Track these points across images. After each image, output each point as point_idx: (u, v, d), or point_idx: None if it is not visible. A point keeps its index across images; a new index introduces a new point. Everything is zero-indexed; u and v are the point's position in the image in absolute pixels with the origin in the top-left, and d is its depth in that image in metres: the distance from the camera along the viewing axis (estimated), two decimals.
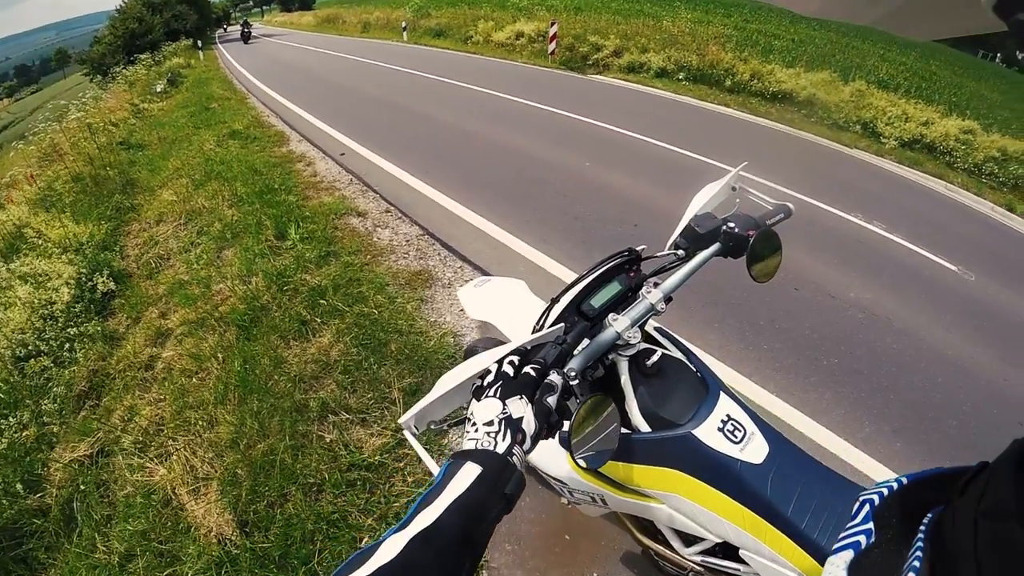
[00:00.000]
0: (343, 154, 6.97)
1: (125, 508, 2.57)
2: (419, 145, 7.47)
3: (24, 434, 3.22)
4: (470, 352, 2.27)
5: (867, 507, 0.57)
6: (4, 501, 2.82)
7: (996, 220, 9.03)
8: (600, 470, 1.42)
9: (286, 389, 3.06)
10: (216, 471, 2.64)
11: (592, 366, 1.22)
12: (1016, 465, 0.44)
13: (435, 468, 0.90)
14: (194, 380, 3.25)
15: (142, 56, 22.19)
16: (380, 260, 4.40)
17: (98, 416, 3.27)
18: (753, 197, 1.66)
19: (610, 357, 1.29)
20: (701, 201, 1.59)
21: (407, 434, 1.04)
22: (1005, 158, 11.08)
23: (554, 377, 0.99)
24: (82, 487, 2.80)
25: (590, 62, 15.09)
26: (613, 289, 1.36)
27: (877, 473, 3.07)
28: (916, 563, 0.47)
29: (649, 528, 1.63)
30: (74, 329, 3.94)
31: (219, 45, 20.31)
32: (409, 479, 2.57)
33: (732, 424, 1.28)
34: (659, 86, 12.81)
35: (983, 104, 17.81)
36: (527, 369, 0.99)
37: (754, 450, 1.25)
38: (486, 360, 1.01)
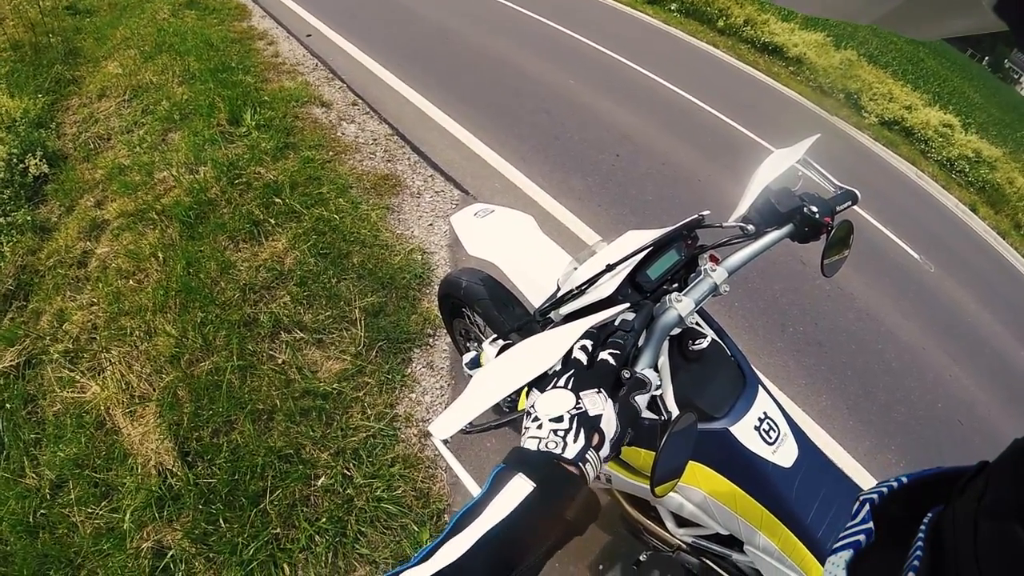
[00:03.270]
0: (309, 35, 6.40)
1: (55, 429, 2.35)
2: (393, 35, 6.92)
3: None
4: (449, 284, 2.06)
5: (867, 506, 0.54)
6: None
7: (959, 218, 9.37)
8: (624, 457, 1.34)
9: (234, 299, 2.82)
10: (154, 390, 2.42)
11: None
12: (1016, 465, 0.42)
13: (474, 485, 0.78)
14: (131, 282, 2.96)
15: None
16: (344, 158, 4.06)
17: (25, 319, 2.97)
18: (815, 175, 1.48)
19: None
20: (771, 172, 1.41)
21: (437, 444, 0.87)
22: (978, 160, 11.38)
23: (649, 373, 0.83)
24: (8, 405, 2.54)
25: None
26: (671, 259, 1.22)
27: (836, 452, 3.15)
28: (916, 563, 0.45)
29: (642, 504, 1.56)
30: (0, 219, 3.55)
31: None
32: (370, 412, 2.41)
33: (768, 423, 1.22)
34: (649, 13, 12.26)
35: (965, 102, 18.41)
36: (604, 355, 0.82)
37: (785, 453, 1.20)
38: (544, 355, 0.83)
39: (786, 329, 3.85)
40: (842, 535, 0.54)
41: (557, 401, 0.73)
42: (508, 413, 0.95)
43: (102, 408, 2.35)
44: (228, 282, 2.90)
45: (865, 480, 3.01)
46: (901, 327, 4.65)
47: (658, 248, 1.20)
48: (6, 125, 4.30)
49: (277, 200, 3.44)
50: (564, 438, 0.69)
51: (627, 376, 0.82)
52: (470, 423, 0.87)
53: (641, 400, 0.80)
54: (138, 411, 2.34)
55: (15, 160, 3.87)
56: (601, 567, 2.09)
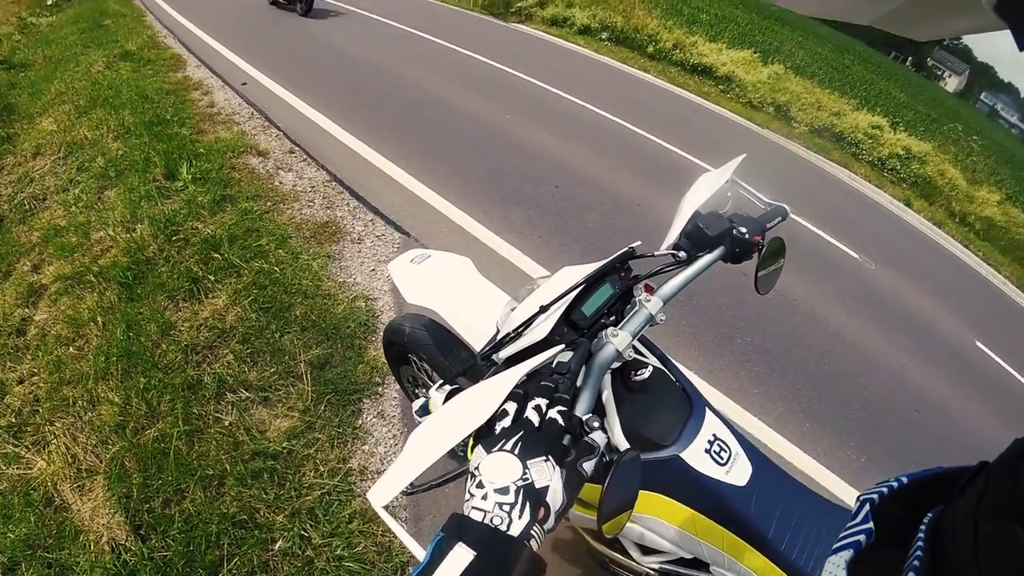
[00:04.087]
0: (245, 84, 6.44)
1: (3, 509, 2.32)
2: (329, 81, 6.99)
3: None
4: (392, 331, 2.07)
5: (867, 506, 0.56)
6: None
7: (894, 213, 9.83)
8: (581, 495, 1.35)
9: (177, 361, 2.83)
10: (102, 462, 2.42)
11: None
12: (1016, 465, 0.43)
13: (419, 551, 0.75)
14: (71, 350, 2.95)
15: None
16: (282, 208, 4.11)
17: None
18: (746, 193, 1.54)
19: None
20: (699, 196, 1.44)
21: (378, 510, 0.83)
22: (908, 156, 12.02)
23: (596, 437, 0.83)
24: None
25: (513, 9, 14.65)
26: (605, 294, 1.23)
27: (795, 456, 3.29)
28: (916, 563, 0.46)
29: (604, 536, 1.58)
30: None
31: None
32: (322, 468, 2.45)
33: (719, 445, 1.24)
34: (580, 43, 12.66)
35: (892, 103, 19.41)
36: (553, 415, 0.82)
37: (739, 472, 1.22)
38: (479, 407, 0.82)
39: (734, 341, 4.03)
40: (842, 535, 0.56)
41: (504, 469, 0.71)
42: (453, 470, 0.95)
43: (49, 484, 2.35)
44: (169, 344, 2.91)
45: (825, 484, 3.18)
46: (848, 326, 4.88)
47: (592, 283, 1.21)
48: None
49: (216, 255, 3.46)
50: (509, 513, 0.67)
51: (574, 441, 0.81)
52: (411, 484, 0.86)
53: (588, 466, 0.79)
54: (86, 485, 2.34)
55: None
56: None
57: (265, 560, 2.13)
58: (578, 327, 1.17)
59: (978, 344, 6.19)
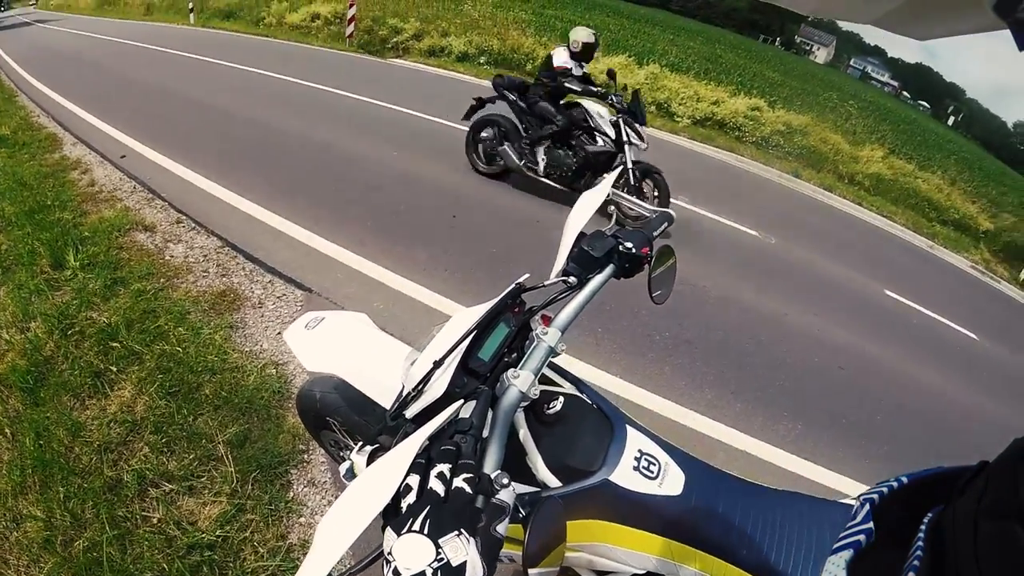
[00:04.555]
0: (123, 156, 6.33)
1: None
2: (211, 142, 6.96)
3: None
4: (304, 399, 2.09)
5: (867, 506, 0.57)
6: None
7: (786, 186, 10.38)
8: (510, 534, 1.28)
9: (92, 463, 2.83)
10: None
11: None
12: (1016, 465, 0.44)
13: None
14: None
15: None
16: (176, 283, 4.11)
17: None
18: (628, 204, 1.60)
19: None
20: (581, 217, 1.47)
21: None
22: (790, 131, 12.88)
23: (504, 496, 0.81)
24: None
25: (389, 46, 15.14)
26: (500, 334, 1.22)
27: (734, 438, 3.50)
28: (916, 563, 0.47)
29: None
30: None
31: None
32: (261, 549, 2.50)
33: (646, 459, 1.23)
34: (461, 70, 12.93)
35: (766, 84, 20.62)
36: (459, 483, 0.79)
37: (671, 482, 1.21)
38: (381, 487, 0.80)
39: (653, 338, 4.27)
40: (842, 535, 0.56)
41: (415, 553, 0.69)
42: (370, 554, 0.87)
43: None
44: (82, 446, 2.90)
45: (770, 460, 3.41)
46: (760, 302, 5.28)
47: (486, 326, 1.20)
48: None
49: (115, 344, 3.45)
50: None
51: (484, 502, 0.79)
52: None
53: (502, 528, 0.77)
54: None
55: None
56: None
57: None
58: (478, 374, 1.15)
59: (887, 292, 6.73)
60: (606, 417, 1.31)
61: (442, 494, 0.77)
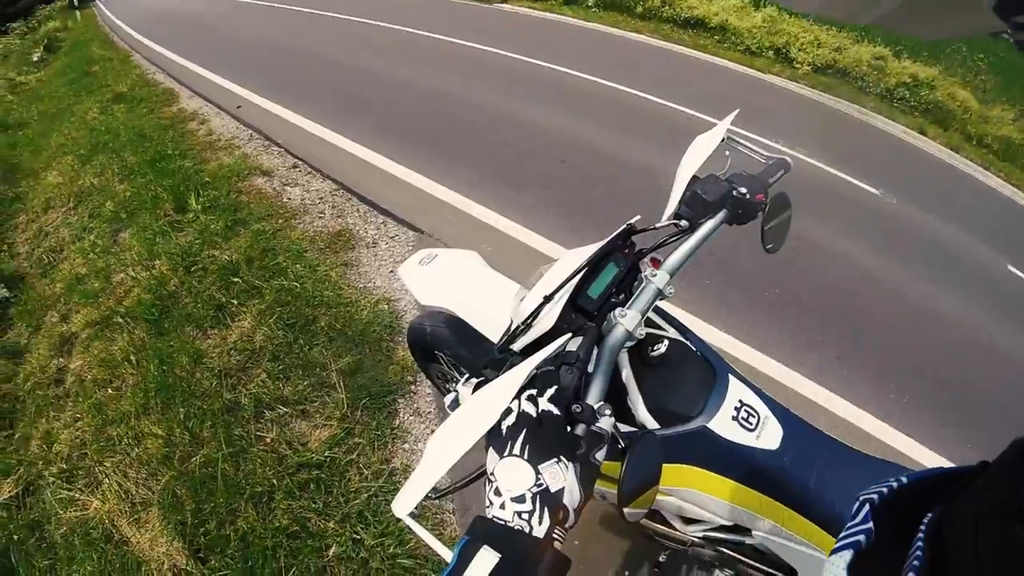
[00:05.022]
0: (239, 107, 6.47)
1: (66, 551, 2.39)
2: (321, 90, 7.00)
3: None
4: (414, 332, 2.09)
5: (867, 506, 0.55)
6: None
7: (909, 143, 9.58)
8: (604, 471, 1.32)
9: (212, 388, 2.88)
10: (153, 494, 2.48)
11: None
12: (1016, 465, 0.43)
13: (446, 553, 0.77)
14: (109, 391, 3.01)
15: (14, 25, 19.77)
16: (294, 223, 4.14)
17: (15, 448, 3.01)
18: (743, 149, 1.49)
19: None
20: (695, 160, 1.41)
21: (403, 518, 0.85)
22: (916, 83, 11.68)
23: (604, 424, 0.83)
24: (15, 536, 2.57)
25: None
26: (610, 273, 1.20)
27: (830, 402, 3.25)
28: (916, 563, 0.45)
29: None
30: None
31: (96, 1, 18.62)
32: (366, 471, 2.48)
33: (746, 410, 1.21)
34: (569, 14, 12.49)
35: (890, 31, 18.54)
36: (561, 411, 0.80)
37: (769, 435, 1.20)
38: (488, 409, 0.82)
39: (761, 295, 4.00)
40: (842, 535, 0.55)
41: (517, 476, 0.71)
42: (473, 471, 0.93)
43: (106, 521, 2.40)
44: (203, 372, 2.97)
45: (859, 429, 3.14)
46: (879, 266, 4.81)
47: (596, 264, 1.17)
48: None
49: (236, 279, 3.51)
50: (529, 520, 0.68)
51: (583, 431, 0.81)
52: (433, 489, 0.87)
53: (600, 455, 0.79)
54: (142, 517, 2.40)
55: None
56: (627, 573, 2.16)
57: (322, 567, 2.17)
58: (586, 311, 1.14)
59: (1011, 268, 6.05)
60: (709, 364, 1.29)
61: (543, 420, 0.78)
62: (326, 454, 2.52)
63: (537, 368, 0.88)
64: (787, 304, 3.95)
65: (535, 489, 0.70)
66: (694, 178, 1.36)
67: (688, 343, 1.33)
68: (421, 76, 7.61)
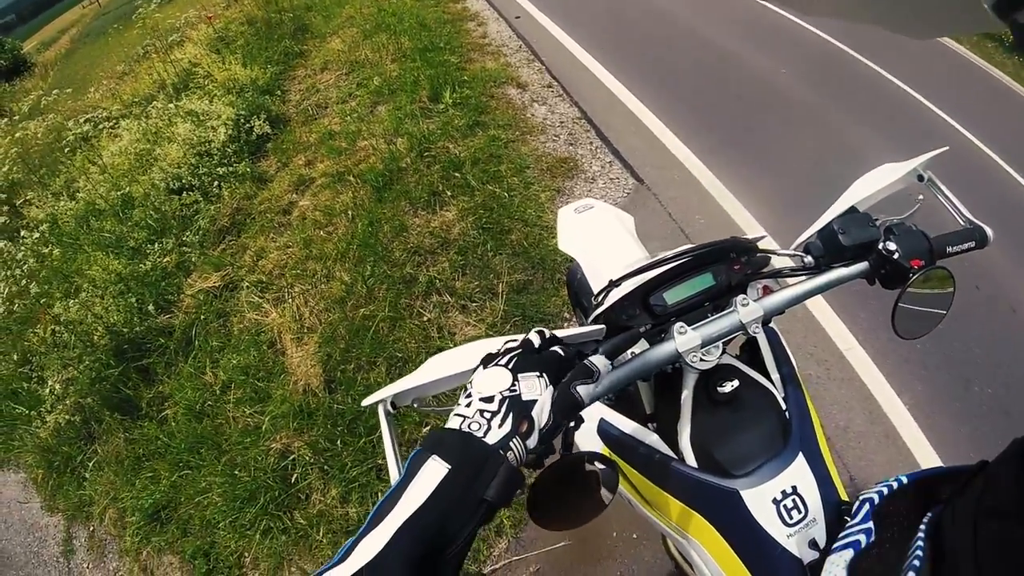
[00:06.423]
0: (518, 17, 6.58)
1: (236, 342, 2.80)
2: (601, 19, 6.86)
3: (165, 260, 3.53)
4: (571, 275, 2.04)
5: (867, 506, 0.56)
6: (137, 317, 3.15)
7: None
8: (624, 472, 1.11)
9: (401, 259, 3.13)
10: (320, 324, 2.81)
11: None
12: (1016, 465, 0.43)
13: (395, 469, 0.77)
14: (322, 233, 3.41)
15: None
16: (528, 139, 4.23)
17: (232, 252, 3.53)
18: (942, 199, 1.11)
19: (678, 363, 0.97)
20: (864, 189, 1.13)
21: (381, 414, 0.83)
22: None
23: (598, 360, 0.77)
24: (204, 316, 3.06)
25: None
26: (703, 283, 1.02)
27: None
28: (916, 562, 0.46)
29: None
30: (225, 168, 4.17)
31: None
32: None
33: (794, 500, 0.94)
34: None
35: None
36: (559, 348, 0.77)
37: (804, 540, 0.91)
38: (493, 344, 0.79)
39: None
40: (842, 535, 0.56)
41: (493, 380, 0.69)
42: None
43: (275, 332, 2.78)
44: (400, 243, 3.23)
45: None
46: None
47: (691, 268, 1.01)
48: (237, 90, 5.02)
49: (456, 174, 3.72)
50: (489, 421, 0.65)
51: (572, 362, 0.77)
52: (422, 400, 0.85)
53: (584, 391, 0.73)
54: (303, 339, 2.74)
55: (243, 120, 4.57)
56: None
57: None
58: (652, 313, 0.99)
59: None
60: (786, 432, 1.01)
61: (538, 345, 0.76)
62: None
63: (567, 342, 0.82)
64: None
65: (507, 393, 0.67)
66: (851, 209, 1.10)
67: (777, 396, 1.08)
68: (720, 34, 6.88)
